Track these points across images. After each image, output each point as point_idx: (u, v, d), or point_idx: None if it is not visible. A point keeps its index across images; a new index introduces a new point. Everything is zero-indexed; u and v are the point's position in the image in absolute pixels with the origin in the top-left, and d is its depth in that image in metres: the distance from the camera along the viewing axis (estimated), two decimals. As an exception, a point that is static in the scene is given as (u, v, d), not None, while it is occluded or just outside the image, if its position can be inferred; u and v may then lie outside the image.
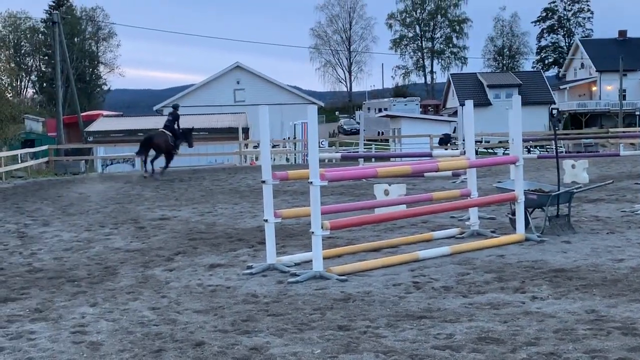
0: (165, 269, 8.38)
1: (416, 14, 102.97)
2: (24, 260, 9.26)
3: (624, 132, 37.23)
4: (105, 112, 53.46)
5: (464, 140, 12.44)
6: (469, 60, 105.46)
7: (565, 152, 32.51)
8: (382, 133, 54.96)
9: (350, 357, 5.05)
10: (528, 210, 9.56)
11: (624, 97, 70.55)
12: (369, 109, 79.75)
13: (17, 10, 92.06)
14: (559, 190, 9.72)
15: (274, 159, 29.02)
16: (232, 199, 15.59)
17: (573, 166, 16.74)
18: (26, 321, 6.31)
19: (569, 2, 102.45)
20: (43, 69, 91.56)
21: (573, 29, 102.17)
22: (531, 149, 38.79)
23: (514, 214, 9.55)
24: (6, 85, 44.57)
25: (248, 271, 7.94)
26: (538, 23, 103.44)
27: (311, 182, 7.49)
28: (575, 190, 10.05)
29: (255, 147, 30.31)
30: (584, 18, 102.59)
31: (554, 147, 12.68)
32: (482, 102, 69.97)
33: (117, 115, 49.41)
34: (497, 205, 11.54)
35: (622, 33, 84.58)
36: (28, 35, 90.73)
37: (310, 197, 7.54)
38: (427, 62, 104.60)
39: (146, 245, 10.05)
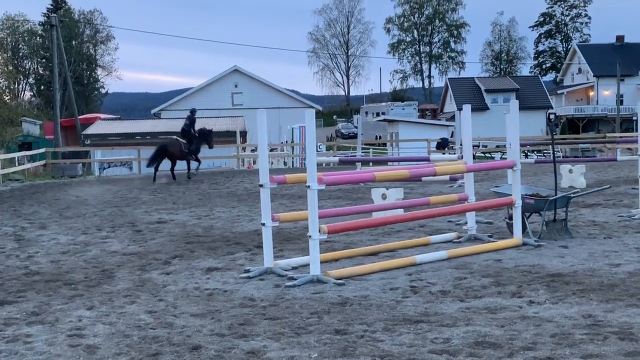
0: (163, 273, 8.37)
1: (414, 18, 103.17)
2: (21, 263, 9.25)
3: (621, 137, 37.30)
4: (102, 115, 53.41)
5: (461, 145, 12.45)
6: (467, 64, 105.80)
7: (563, 157, 32.54)
8: (380, 137, 55.01)
9: (347, 361, 5.05)
10: (525, 214, 9.56)
11: (621, 102, 70.65)
12: (366, 113, 79.78)
13: (15, 13, 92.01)
14: (556, 194, 9.73)
15: (272, 163, 29.02)
16: (229, 202, 15.58)
17: (570, 171, 16.77)
18: (23, 324, 6.30)
19: (566, 7, 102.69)
20: (41, 72, 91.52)
21: (570, 34, 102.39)
22: (528, 153, 38.82)
23: (511, 218, 9.55)
24: (4, 88, 44.60)
25: (245, 275, 7.94)
26: (536, 28, 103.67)
27: (309, 186, 7.49)
28: (572, 195, 10.06)
29: (252, 150, 30.31)
30: (582, 23, 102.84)
31: (551, 152, 12.70)
32: (480, 107, 70.01)
33: (115, 119, 49.37)
34: (494, 209, 11.55)
35: (620, 38, 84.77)
36: (26, 38, 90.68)
37: (308, 201, 7.55)
38: (425, 67, 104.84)
39: (143, 249, 10.04)
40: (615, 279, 7.21)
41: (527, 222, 9.55)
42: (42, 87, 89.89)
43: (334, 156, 29.60)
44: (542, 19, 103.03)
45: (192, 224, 12.42)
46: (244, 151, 31.27)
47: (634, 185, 14.38)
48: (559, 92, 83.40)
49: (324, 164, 24.13)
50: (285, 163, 32.33)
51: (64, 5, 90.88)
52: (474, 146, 11.50)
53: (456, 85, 79.30)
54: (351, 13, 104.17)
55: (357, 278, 7.63)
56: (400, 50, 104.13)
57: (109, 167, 31.21)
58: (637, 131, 12.42)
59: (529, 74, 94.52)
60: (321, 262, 7.68)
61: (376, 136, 56.71)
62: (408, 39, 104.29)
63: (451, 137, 34.84)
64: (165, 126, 39.01)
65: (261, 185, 8.00)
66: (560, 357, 4.94)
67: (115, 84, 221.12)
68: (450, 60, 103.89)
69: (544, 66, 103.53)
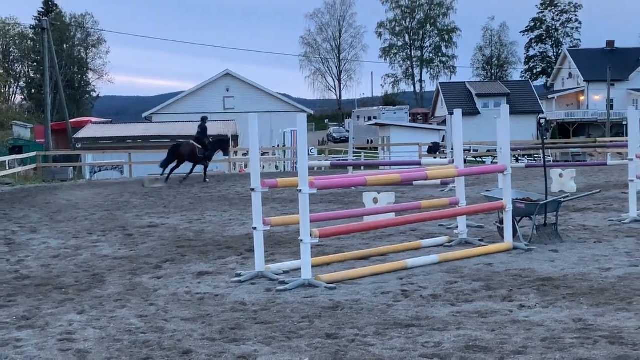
0: (153, 277, 8.35)
1: (406, 23, 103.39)
2: (11, 267, 9.20)
3: (611, 141, 37.41)
4: (94, 119, 53.22)
5: (452, 149, 12.48)
6: (458, 69, 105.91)
7: (553, 162, 32.66)
8: (372, 141, 55.08)
9: (338, 365, 5.05)
10: (516, 219, 9.60)
11: (612, 107, 70.94)
12: (358, 117, 79.93)
13: (6, 17, 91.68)
14: (546, 199, 9.77)
15: (263, 167, 29.01)
16: (221, 206, 15.57)
17: (561, 175, 16.83)
18: (13, 328, 6.27)
19: (557, 13, 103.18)
20: (32, 76, 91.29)
21: (561, 39, 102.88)
22: (519, 158, 38.96)
23: (502, 222, 9.58)
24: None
25: (236, 279, 7.93)
26: (526, 33, 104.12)
27: (300, 190, 7.50)
28: (562, 199, 10.10)
29: (244, 154, 30.29)
30: (572, 28, 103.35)
31: (542, 156, 12.75)
32: (471, 111, 70.23)
33: (106, 122, 49.25)
34: (485, 213, 11.58)
35: (610, 43, 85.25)
36: (17, 42, 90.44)
37: (300, 205, 7.55)
38: (417, 71, 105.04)
39: (134, 253, 10.02)
40: (606, 283, 7.24)
41: (517, 227, 9.58)
42: (33, 90, 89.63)
43: (326, 160, 29.64)
44: (532, 24, 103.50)
45: (183, 228, 12.40)
46: (236, 155, 31.25)
47: (624, 190, 14.46)
48: (549, 96, 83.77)
49: (315, 168, 24.10)
50: (277, 167, 32.34)
51: (55, 8, 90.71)
52: (465, 150, 11.54)
53: (447, 90, 79.54)
54: (343, 17, 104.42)
55: (349, 282, 7.64)
56: (392, 55, 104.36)
57: (100, 170, 31.12)
58: (627, 136, 12.48)
59: (520, 79, 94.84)
60: (313, 266, 7.68)
61: (368, 140, 56.77)
62: (399, 44, 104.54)
63: (442, 141, 34.87)
64: (157, 130, 38.98)
65: (253, 189, 8.00)
66: (551, 361, 4.96)
67: (106, 88, 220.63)
68: (442, 65, 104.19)
69: (534, 71, 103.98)
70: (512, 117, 10.50)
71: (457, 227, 10.07)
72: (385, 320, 6.16)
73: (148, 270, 8.77)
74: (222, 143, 22.85)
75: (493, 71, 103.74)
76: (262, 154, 29.79)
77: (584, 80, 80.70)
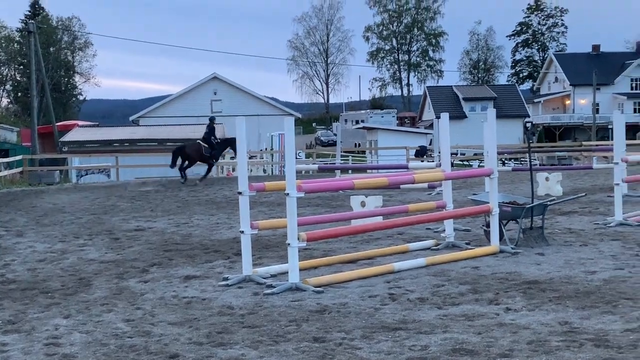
0: (140, 281, 8.32)
1: (393, 27, 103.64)
2: (-3, 272, 9.14)
3: (597, 145, 37.67)
4: (80, 122, 53.05)
5: (439, 153, 12.52)
6: (445, 73, 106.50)
7: (539, 165, 32.81)
8: (359, 145, 55.15)
9: (325, 368, 5.06)
10: (502, 222, 9.64)
11: (597, 111, 71.44)
12: (346, 120, 79.98)
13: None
14: (532, 202, 9.82)
15: (251, 170, 28.97)
16: (208, 210, 15.54)
17: (547, 179, 16.91)
18: (-2, 333, 6.23)
19: (543, 17, 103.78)
20: (18, 79, 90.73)
21: (547, 43, 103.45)
22: (506, 161, 39.10)
23: (488, 226, 9.62)
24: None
25: (224, 283, 7.92)
26: (513, 37, 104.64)
27: (288, 194, 7.50)
28: (548, 203, 10.15)
29: (232, 158, 30.24)
30: (558, 32, 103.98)
31: (528, 160, 12.81)
32: (458, 115, 70.50)
33: (93, 126, 49.04)
34: (472, 217, 11.62)
35: (596, 47, 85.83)
36: (3, 45, 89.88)
37: (287, 208, 7.55)
38: (404, 75, 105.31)
39: (121, 257, 9.99)
40: (591, 286, 7.28)
41: (504, 230, 9.62)
42: (20, 93, 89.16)
43: (314, 164, 29.62)
44: (519, 29, 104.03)
45: (170, 231, 12.36)
46: (223, 158, 31.18)
47: (609, 193, 14.54)
48: (535, 100, 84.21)
49: (303, 172, 24.12)
50: (264, 170, 32.29)
51: (41, 11, 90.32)
52: (452, 154, 11.59)
53: (434, 94, 79.81)
54: (330, 21, 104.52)
55: (336, 285, 7.64)
56: (379, 59, 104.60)
57: (86, 174, 30.97)
58: (612, 139, 12.57)
59: (506, 83, 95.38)
60: (300, 270, 7.69)
61: (355, 144, 56.89)
62: (387, 48, 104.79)
63: (430, 145, 34.96)
64: (144, 133, 38.82)
65: (240, 193, 7.99)
66: (537, 364, 4.98)
67: (93, 91, 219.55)
68: (429, 69, 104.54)
69: (521, 75, 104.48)
70: (498, 120, 10.55)
71: (444, 230, 10.10)
72: (373, 323, 6.17)
73: (135, 274, 8.74)
74: (232, 142, 22.95)
75: (480, 75, 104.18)
76: (250, 158, 29.75)
77: (570, 84, 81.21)
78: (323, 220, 9.33)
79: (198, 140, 22.96)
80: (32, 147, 34.74)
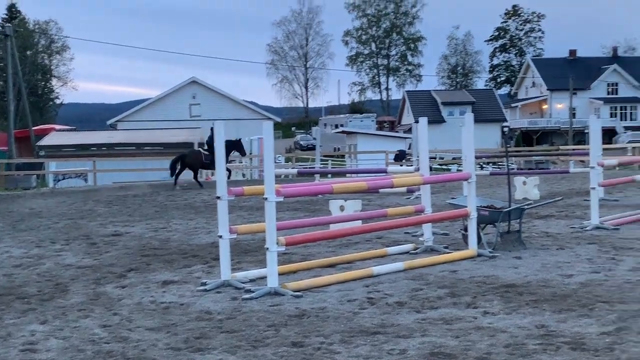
0: (118, 286, 8.27)
1: (372, 31, 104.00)
2: (-28, 277, 9.04)
3: (574, 149, 37.95)
4: (57, 126, 52.58)
5: (418, 157, 12.56)
6: (424, 77, 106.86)
7: (517, 169, 33.03)
8: (338, 149, 55.21)
9: (304, 373, 5.05)
10: (480, 226, 9.69)
11: (574, 116, 72.19)
12: (325, 124, 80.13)
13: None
14: (510, 206, 9.88)
15: (230, 175, 28.87)
16: (186, 214, 15.47)
17: (524, 183, 17.03)
18: (-27, 340, 6.16)
19: (520, 22, 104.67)
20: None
21: (524, 48, 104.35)
22: (483, 165, 39.35)
23: (466, 229, 9.67)
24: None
25: (202, 288, 7.89)
26: (491, 42, 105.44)
27: (266, 198, 7.49)
28: (526, 207, 10.22)
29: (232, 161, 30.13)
30: (535, 38, 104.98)
31: (505, 164, 12.90)
32: (436, 119, 70.80)
33: (70, 130, 48.69)
34: (450, 221, 11.67)
35: (573, 52, 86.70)
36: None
37: (266, 213, 7.54)
38: (383, 79, 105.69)
39: (98, 262, 9.91)
40: (568, 290, 7.34)
41: (482, 234, 9.67)
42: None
43: (293, 168, 29.62)
44: (497, 34, 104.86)
45: (148, 236, 12.29)
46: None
47: (585, 197, 14.67)
48: (513, 105, 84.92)
49: (282, 176, 24.10)
50: (243, 175, 32.22)
51: (18, 15, 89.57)
52: (430, 158, 11.63)
53: (413, 98, 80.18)
54: (310, 25, 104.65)
55: (315, 290, 7.64)
56: (359, 63, 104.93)
57: (63, 178, 30.71)
58: (589, 144, 12.69)
59: (484, 87, 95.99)
60: (279, 274, 7.67)
61: (335, 148, 56.92)
62: (366, 52, 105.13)
63: (409, 149, 35.09)
64: (122, 137, 38.62)
65: (219, 197, 7.97)
66: (514, 367, 5.01)
67: (70, 95, 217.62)
68: (408, 73, 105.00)
69: (498, 80, 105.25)
70: (476, 125, 10.61)
71: (423, 234, 10.14)
72: (351, 327, 6.17)
73: (112, 279, 8.68)
74: (235, 145, 22.81)
75: (458, 80, 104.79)
76: (229, 162, 29.68)
77: (547, 89, 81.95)
78: (302, 224, 9.31)
79: (198, 149, 23.01)
80: (9, 151, 34.42)
